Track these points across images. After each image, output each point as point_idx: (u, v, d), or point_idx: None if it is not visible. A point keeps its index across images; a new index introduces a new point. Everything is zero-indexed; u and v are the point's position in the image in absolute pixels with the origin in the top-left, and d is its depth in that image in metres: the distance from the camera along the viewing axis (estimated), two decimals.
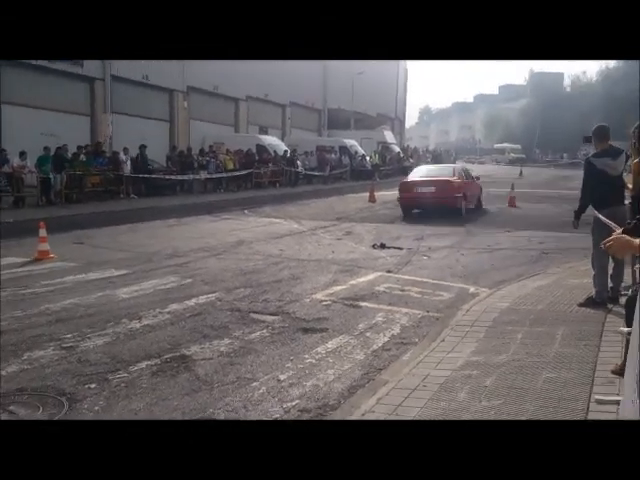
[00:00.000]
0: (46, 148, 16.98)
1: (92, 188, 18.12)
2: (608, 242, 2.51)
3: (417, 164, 39.40)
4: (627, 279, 5.83)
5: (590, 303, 5.83)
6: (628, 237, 2.50)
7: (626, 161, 5.88)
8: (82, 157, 18.40)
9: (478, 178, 17.41)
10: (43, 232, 9.17)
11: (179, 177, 21.01)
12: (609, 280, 5.93)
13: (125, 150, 19.61)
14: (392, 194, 20.98)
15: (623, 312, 4.31)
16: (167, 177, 20.56)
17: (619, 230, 3.06)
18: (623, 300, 5.16)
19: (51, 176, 16.48)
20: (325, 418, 3.77)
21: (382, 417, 3.52)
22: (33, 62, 19.78)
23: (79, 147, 18.71)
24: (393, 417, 3.52)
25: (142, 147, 20.18)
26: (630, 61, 46.06)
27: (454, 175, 15.59)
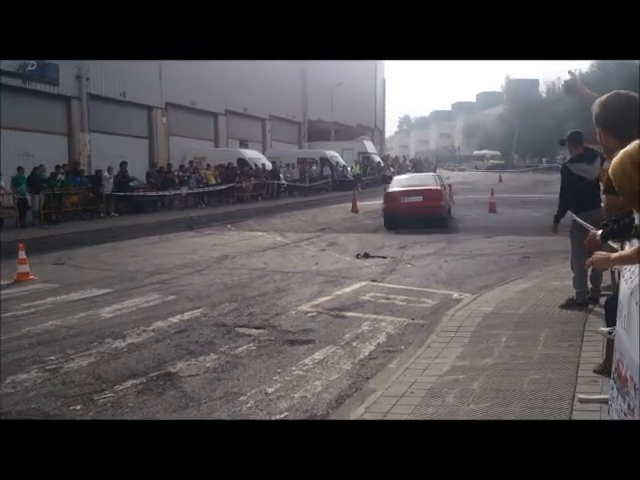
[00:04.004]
0: (19, 168, 16.80)
1: (71, 208, 17.97)
2: (589, 261, 2.63)
3: (399, 173, 39.78)
4: (606, 279, 5.92)
5: (571, 304, 5.92)
6: (605, 253, 2.60)
7: (602, 164, 5.98)
8: (60, 177, 18.25)
9: (450, 185, 17.66)
10: (22, 254, 9.04)
11: (160, 193, 20.92)
12: (589, 281, 6.03)
13: (109, 169, 19.52)
14: (374, 204, 21.13)
15: (603, 312, 4.38)
16: (148, 194, 20.46)
17: (594, 231, 3.13)
18: (603, 300, 5.24)
19: (28, 197, 16.30)
20: (325, 418, 3.78)
21: None
22: (8, 83, 19.66)
23: (57, 167, 18.57)
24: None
25: (123, 164, 20.11)
26: (603, 66, 46.86)
27: (437, 183, 15.60)
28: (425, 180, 16.30)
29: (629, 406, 2.32)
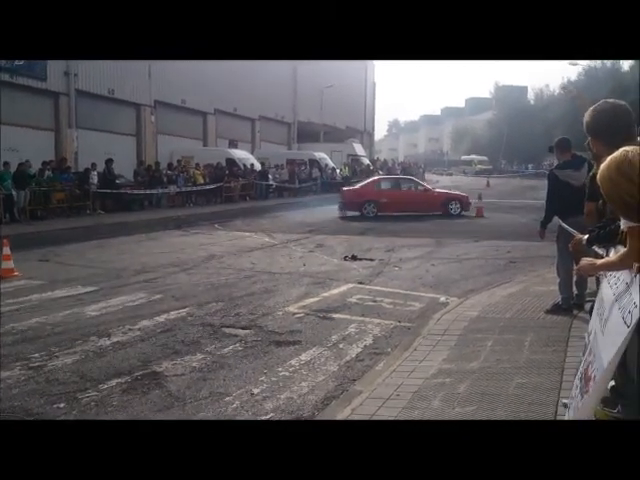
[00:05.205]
0: (6, 164, 16.61)
1: (57, 204, 17.80)
2: (577, 268, 2.70)
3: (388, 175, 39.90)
4: (591, 286, 5.97)
5: (556, 310, 5.97)
6: (590, 259, 2.66)
7: (589, 170, 6.04)
8: (48, 173, 18.08)
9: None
10: (7, 250, 8.95)
11: (148, 192, 20.80)
12: (574, 287, 6.08)
13: (93, 165, 19.39)
14: None
15: (588, 318, 4.42)
16: (135, 192, 20.34)
17: (579, 236, 3.16)
18: (588, 306, 5.29)
19: (14, 192, 16.14)
20: (317, 418, 3.80)
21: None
22: None
23: (44, 163, 18.39)
24: None
25: (108, 161, 19.95)
26: (591, 74, 47.37)
27: (357, 186, 20.45)
28: (362, 183, 21.18)
29: (583, 405, 2.37)
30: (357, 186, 20.57)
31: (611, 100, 2.63)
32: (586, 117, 2.63)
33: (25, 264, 9.50)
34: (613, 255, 2.60)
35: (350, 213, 18.46)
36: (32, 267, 9.52)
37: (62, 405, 4.14)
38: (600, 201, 2.91)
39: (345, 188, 20.71)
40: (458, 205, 18.52)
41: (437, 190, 20.35)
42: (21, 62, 20.24)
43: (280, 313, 6.61)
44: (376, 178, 22.62)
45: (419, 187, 19.65)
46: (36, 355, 5.17)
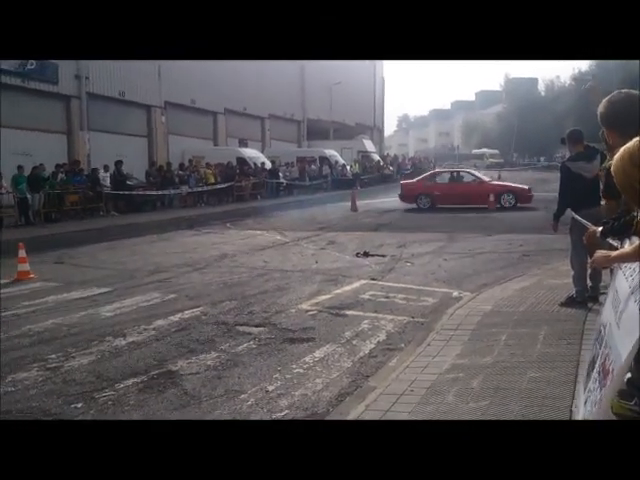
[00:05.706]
0: (20, 167, 16.78)
1: (71, 207, 17.96)
2: (592, 261, 2.70)
3: (398, 172, 39.83)
4: (606, 278, 5.93)
5: (571, 303, 5.94)
6: (605, 251, 2.63)
7: (602, 162, 5.99)
8: (62, 176, 18.26)
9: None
10: (22, 252, 9.05)
11: (160, 192, 20.92)
12: (588, 279, 6.04)
13: (105, 167, 19.54)
14: (373, 202, 21.20)
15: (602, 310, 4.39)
16: (147, 193, 20.47)
17: (593, 228, 3.14)
18: (602, 298, 5.25)
19: (28, 196, 16.31)
20: (325, 417, 3.81)
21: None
22: (7, 82, 19.65)
23: (57, 166, 18.56)
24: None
25: (118, 163, 20.09)
26: (601, 65, 46.90)
27: (414, 179, 21.66)
28: (420, 176, 22.31)
29: (601, 398, 2.35)
30: (414, 179, 21.35)
31: (625, 90, 2.62)
32: (600, 108, 2.61)
33: (40, 266, 9.61)
34: (628, 247, 2.58)
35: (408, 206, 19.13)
36: (47, 269, 9.62)
37: (79, 405, 4.19)
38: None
39: (403, 181, 21.67)
40: (512, 197, 18.45)
41: (493, 182, 20.33)
42: (33, 66, 20.43)
43: (293, 310, 6.64)
44: (434, 171, 23.61)
45: (475, 180, 19.86)
46: (53, 356, 5.24)
